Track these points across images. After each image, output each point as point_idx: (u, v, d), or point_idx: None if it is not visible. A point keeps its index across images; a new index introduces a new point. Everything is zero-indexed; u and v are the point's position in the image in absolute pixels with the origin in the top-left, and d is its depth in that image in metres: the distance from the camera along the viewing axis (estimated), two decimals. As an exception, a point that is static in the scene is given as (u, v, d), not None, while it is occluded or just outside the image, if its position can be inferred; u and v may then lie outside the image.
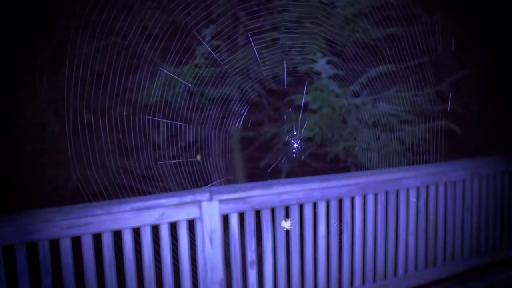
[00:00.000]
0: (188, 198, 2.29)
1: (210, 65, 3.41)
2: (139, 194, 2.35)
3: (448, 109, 3.50)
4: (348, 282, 2.80)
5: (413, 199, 2.94)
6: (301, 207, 2.62)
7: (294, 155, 2.77)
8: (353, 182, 2.76)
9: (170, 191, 2.76)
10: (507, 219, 3.42)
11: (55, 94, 3.12)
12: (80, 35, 2.70)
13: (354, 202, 2.79)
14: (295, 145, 2.78)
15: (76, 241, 2.09)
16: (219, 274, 2.38)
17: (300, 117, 3.44)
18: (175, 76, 3.11)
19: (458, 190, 3.18)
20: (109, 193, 2.42)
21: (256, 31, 2.96)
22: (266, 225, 2.52)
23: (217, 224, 2.36)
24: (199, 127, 2.90)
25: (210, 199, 2.33)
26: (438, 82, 3.93)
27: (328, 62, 3.50)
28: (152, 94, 3.05)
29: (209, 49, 3.19)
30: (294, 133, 2.79)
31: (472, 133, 4.31)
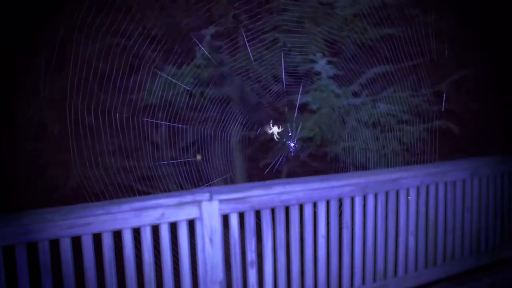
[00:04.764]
0: (188, 198, 2.29)
1: (210, 66, 3.41)
2: (139, 194, 2.35)
3: (443, 109, 3.50)
4: (348, 282, 2.80)
5: (409, 197, 2.93)
6: (301, 207, 2.62)
7: (293, 155, 2.77)
8: (353, 182, 2.76)
9: (170, 191, 2.77)
10: (507, 219, 3.42)
11: (56, 94, 3.12)
12: (81, 35, 2.70)
13: (354, 202, 2.79)
14: (294, 145, 2.79)
15: (76, 241, 2.09)
16: (219, 274, 2.38)
17: (300, 117, 3.44)
18: (173, 80, 3.11)
19: (458, 190, 3.18)
20: (109, 193, 2.43)
21: (256, 31, 2.96)
22: (266, 225, 2.52)
23: (217, 224, 2.36)
24: (199, 128, 2.90)
25: (210, 199, 2.33)
26: (437, 82, 3.93)
27: (328, 63, 3.50)
28: (153, 94, 3.05)
29: (207, 50, 3.20)
30: (293, 134, 2.79)
31: (472, 133, 4.31)
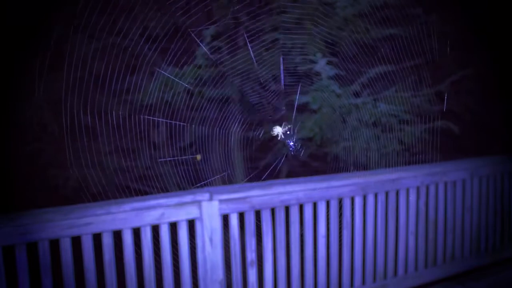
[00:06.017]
0: (188, 198, 2.29)
1: (210, 66, 3.41)
2: (139, 194, 2.35)
3: (444, 109, 3.50)
4: (348, 282, 2.80)
5: (410, 197, 2.93)
6: (301, 207, 2.62)
7: (293, 155, 2.77)
8: (353, 182, 2.76)
9: (170, 191, 2.77)
10: (507, 219, 3.42)
11: (55, 94, 3.12)
12: (80, 35, 2.70)
13: (354, 202, 2.79)
14: (294, 145, 2.78)
15: (76, 241, 2.09)
16: (219, 274, 2.38)
17: (299, 117, 3.44)
18: (173, 78, 3.11)
19: (458, 190, 3.18)
20: (109, 193, 2.42)
21: (256, 32, 2.96)
22: (266, 225, 2.52)
23: (217, 224, 2.36)
24: (199, 128, 2.90)
25: (210, 199, 2.33)
26: (437, 82, 3.93)
27: (328, 63, 3.50)
28: (152, 94, 3.05)
29: (208, 50, 3.20)
30: (293, 134, 2.79)
31: (472, 133, 4.31)
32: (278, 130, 2.40)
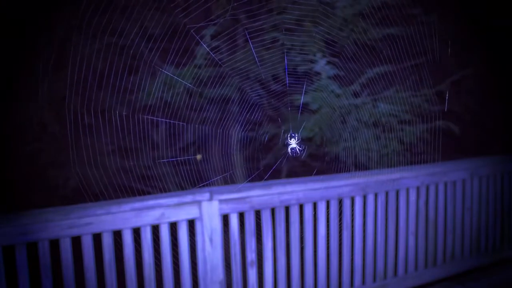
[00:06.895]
0: (188, 198, 2.30)
1: (210, 66, 3.41)
2: (139, 194, 2.35)
3: (445, 110, 3.51)
4: (348, 282, 2.80)
5: (413, 198, 2.94)
6: (301, 207, 2.62)
7: (294, 155, 2.76)
8: (353, 182, 2.76)
9: (170, 191, 2.77)
10: (507, 219, 3.43)
11: (56, 94, 3.13)
12: (81, 35, 2.70)
13: (354, 202, 2.79)
14: (294, 145, 2.78)
15: (76, 241, 2.09)
16: (219, 274, 2.38)
17: (299, 118, 3.44)
18: (175, 77, 3.11)
19: (458, 190, 3.18)
20: (109, 193, 2.42)
21: (256, 32, 2.96)
22: (266, 225, 2.52)
23: (217, 224, 2.37)
24: (199, 128, 2.90)
25: (210, 199, 2.33)
26: (437, 82, 3.93)
27: (328, 63, 3.50)
28: (152, 94, 3.05)
29: (207, 50, 3.20)
30: (293, 134, 2.78)
31: (472, 133, 4.31)
32: (292, 143, 2.43)
